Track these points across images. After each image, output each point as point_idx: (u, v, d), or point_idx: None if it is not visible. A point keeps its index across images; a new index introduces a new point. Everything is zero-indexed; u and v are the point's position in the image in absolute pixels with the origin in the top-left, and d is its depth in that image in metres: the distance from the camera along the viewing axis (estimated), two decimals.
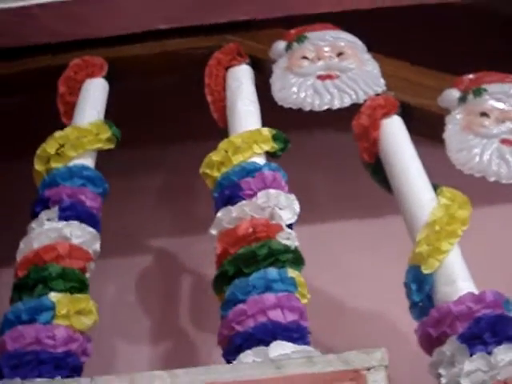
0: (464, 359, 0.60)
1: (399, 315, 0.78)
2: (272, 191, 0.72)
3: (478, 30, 1.07)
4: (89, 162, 0.83)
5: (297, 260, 0.69)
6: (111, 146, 0.85)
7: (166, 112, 1.15)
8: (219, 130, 0.90)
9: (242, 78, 0.89)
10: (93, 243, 0.75)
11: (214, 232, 0.72)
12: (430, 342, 0.64)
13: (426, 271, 0.66)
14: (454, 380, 0.59)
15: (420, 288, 0.67)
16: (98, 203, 0.79)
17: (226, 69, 0.91)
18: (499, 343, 0.60)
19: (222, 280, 0.68)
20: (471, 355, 0.59)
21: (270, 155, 0.81)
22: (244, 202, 0.72)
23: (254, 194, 0.72)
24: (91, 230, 0.75)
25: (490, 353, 0.59)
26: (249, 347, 0.61)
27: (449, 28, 1.07)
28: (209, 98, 0.91)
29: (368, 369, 0.52)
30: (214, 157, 0.78)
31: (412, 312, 0.68)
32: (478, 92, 0.79)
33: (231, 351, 0.62)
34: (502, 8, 1.01)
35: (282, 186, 0.74)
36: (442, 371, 0.61)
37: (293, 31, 0.92)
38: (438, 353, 0.63)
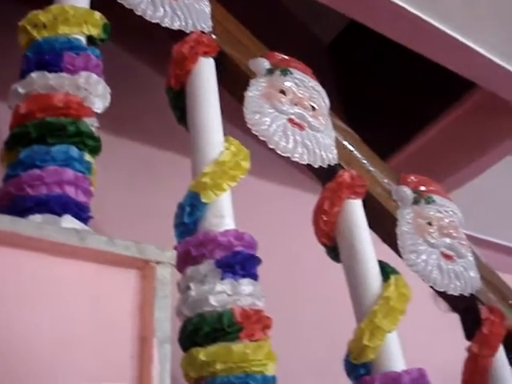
0: (215, 281, 0.70)
1: None
2: (94, 76, 0.72)
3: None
4: None
5: (96, 149, 0.70)
6: None
7: None
8: None
9: None
10: None
11: (21, 90, 0.70)
12: (187, 260, 0.73)
13: (203, 200, 0.75)
14: (203, 295, 0.69)
15: (192, 212, 0.75)
16: None
17: None
18: (245, 276, 0.72)
19: (19, 139, 0.66)
20: (222, 279, 0.70)
21: (88, 41, 0.79)
22: (64, 74, 0.70)
23: (75, 71, 0.71)
24: None
25: (236, 282, 0.70)
26: (38, 212, 0.61)
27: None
28: None
29: (158, 262, 0.58)
30: (42, 17, 0.74)
31: (176, 230, 0.76)
32: (285, 72, 0.90)
33: (16, 211, 0.61)
34: None
35: (101, 74, 0.74)
36: (192, 285, 0.70)
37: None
38: (192, 270, 0.71)
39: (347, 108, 1.61)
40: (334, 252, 0.89)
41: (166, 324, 0.57)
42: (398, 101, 1.67)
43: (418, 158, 1.58)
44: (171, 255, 0.60)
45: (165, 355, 0.55)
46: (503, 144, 1.60)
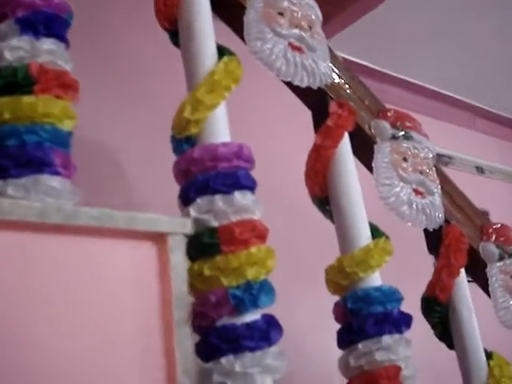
0: (13, 37, 0.68)
1: None
2: None
3: None
4: None
5: None
6: None
7: None
8: None
9: None
10: None
11: None
12: None
13: None
14: None
15: None
16: None
17: None
18: (48, 36, 0.70)
19: None
20: (20, 35, 0.68)
21: None
22: None
23: None
24: None
25: (36, 40, 0.69)
26: None
27: None
28: None
29: None
30: None
31: None
32: None
33: None
34: None
35: None
36: None
37: None
38: None
39: None
40: (174, 37, 0.87)
41: None
42: None
43: None
44: None
45: None
46: None
